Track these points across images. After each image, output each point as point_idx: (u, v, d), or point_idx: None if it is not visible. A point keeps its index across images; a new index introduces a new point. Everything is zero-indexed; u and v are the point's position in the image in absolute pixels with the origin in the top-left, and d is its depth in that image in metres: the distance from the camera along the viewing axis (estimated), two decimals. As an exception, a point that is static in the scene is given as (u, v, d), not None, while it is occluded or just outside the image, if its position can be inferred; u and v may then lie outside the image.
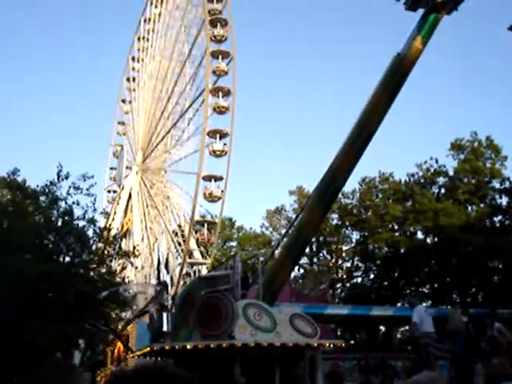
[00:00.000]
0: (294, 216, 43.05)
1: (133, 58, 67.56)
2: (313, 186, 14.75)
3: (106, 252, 21.40)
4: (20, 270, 15.64)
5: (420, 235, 46.34)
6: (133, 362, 27.32)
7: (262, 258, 16.77)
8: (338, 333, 38.33)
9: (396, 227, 47.34)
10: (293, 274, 30.92)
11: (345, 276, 53.15)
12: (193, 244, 54.98)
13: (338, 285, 52.51)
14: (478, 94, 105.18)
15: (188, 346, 11.86)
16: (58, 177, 19.79)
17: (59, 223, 19.83)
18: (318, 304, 24.41)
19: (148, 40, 64.82)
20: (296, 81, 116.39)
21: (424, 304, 28.30)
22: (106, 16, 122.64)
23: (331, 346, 13.72)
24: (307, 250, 45.19)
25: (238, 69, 55.16)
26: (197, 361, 12.02)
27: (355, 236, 52.35)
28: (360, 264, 51.69)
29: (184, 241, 53.82)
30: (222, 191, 53.95)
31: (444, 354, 15.34)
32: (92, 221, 20.80)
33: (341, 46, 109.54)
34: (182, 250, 54.00)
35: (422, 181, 46.40)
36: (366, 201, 49.30)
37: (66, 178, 19.84)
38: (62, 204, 19.99)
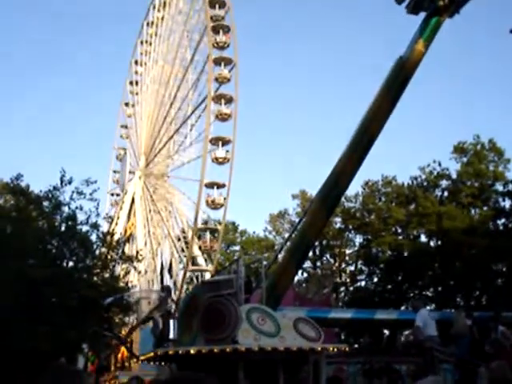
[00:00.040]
0: (297, 220, 43.01)
1: (136, 62, 67.70)
2: (316, 190, 14.73)
3: (109, 257, 21.40)
4: (23, 275, 15.67)
5: (423, 238, 46.37)
6: (137, 367, 27.37)
7: (265, 262, 16.73)
8: (342, 337, 38.20)
9: (399, 230, 47.32)
10: (296, 278, 30.84)
11: (348, 280, 53.10)
12: (196, 250, 54.96)
13: (342, 288, 52.46)
14: (480, 97, 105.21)
15: (191, 351, 11.83)
16: (62, 182, 19.82)
17: (62, 228, 19.81)
18: (322, 308, 24.38)
19: (151, 44, 64.92)
20: (298, 87, 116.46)
21: (427, 307, 28.23)
22: (109, 19, 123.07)
23: (335, 350, 13.67)
24: (310, 253, 45.17)
25: (241, 75, 55.25)
26: (200, 365, 12.00)
27: (358, 239, 52.44)
28: (363, 267, 51.67)
29: (187, 247, 53.84)
30: (225, 198, 53.82)
31: (448, 357, 15.30)
32: (95, 225, 20.80)
33: (343, 54, 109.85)
34: (184, 256, 54.02)
35: (425, 184, 46.39)
36: (369, 204, 49.29)
37: (70, 183, 19.86)
38: (66, 209, 19.98)
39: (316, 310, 21.27)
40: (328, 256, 54.80)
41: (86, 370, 24.78)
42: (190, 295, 15.30)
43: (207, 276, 50.16)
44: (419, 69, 12.43)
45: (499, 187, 43.45)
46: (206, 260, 55.82)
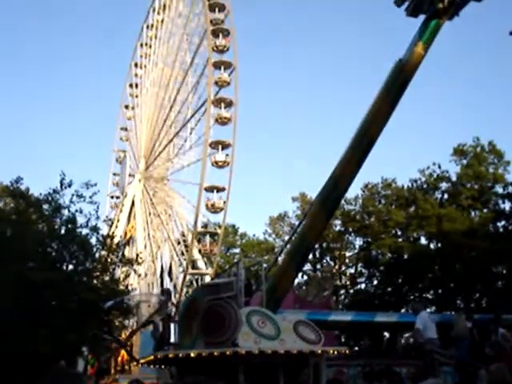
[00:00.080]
0: (296, 222, 43.01)
1: (135, 64, 67.85)
2: (315, 193, 14.72)
3: (109, 260, 21.41)
4: (23, 278, 15.67)
5: (423, 241, 46.31)
6: (137, 370, 27.33)
7: (265, 265, 16.71)
8: (342, 339, 38.20)
9: (399, 233, 47.30)
10: (296, 281, 30.81)
11: (348, 282, 53.07)
12: (196, 254, 54.96)
13: (342, 291, 52.42)
14: (480, 99, 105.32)
15: (192, 354, 11.81)
16: (61, 185, 19.86)
17: (62, 231, 19.85)
18: (322, 311, 24.34)
19: (151, 47, 65.06)
20: (297, 90, 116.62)
21: (428, 310, 28.21)
22: (109, 21, 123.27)
23: (335, 352, 13.62)
24: (310, 256, 45.10)
25: (240, 79, 55.32)
26: (200, 369, 11.99)
27: (358, 242, 52.42)
28: (363, 270, 51.63)
29: (187, 250, 53.85)
30: (225, 202, 53.85)
31: (448, 359, 15.28)
32: (95, 228, 20.85)
33: (343, 57, 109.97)
34: (184, 259, 54.03)
35: (425, 186, 46.38)
36: (368, 207, 49.29)
37: (69, 186, 19.92)
38: (65, 212, 20.05)
39: (316, 313, 21.24)
40: (328, 258, 54.78)
41: (86, 373, 24.74)
42: (190, 298, 15.26)
43: (207, 279, 50.16)
44: (419, 71, 12.43)
45: (499, 189, 43.46)
46: (205, 263, 55.84)
